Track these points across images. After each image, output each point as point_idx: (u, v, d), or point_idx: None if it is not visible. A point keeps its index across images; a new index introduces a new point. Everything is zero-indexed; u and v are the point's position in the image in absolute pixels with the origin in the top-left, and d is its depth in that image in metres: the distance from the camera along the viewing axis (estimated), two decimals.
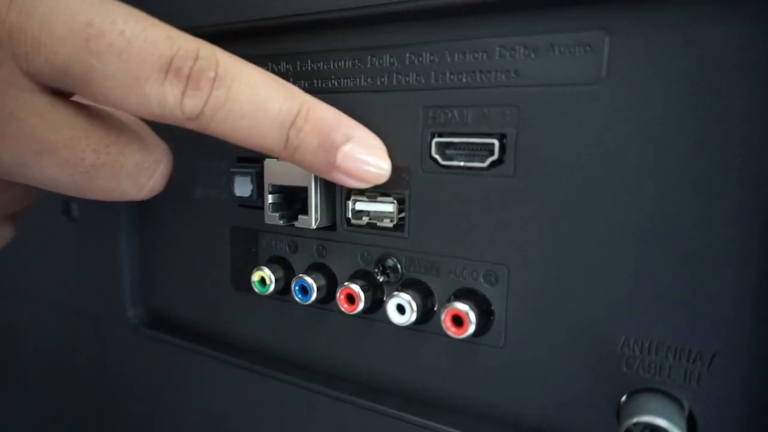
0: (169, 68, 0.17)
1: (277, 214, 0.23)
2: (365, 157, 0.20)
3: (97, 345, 0.32)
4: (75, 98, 0.19)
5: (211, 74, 0.17)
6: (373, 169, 0.20)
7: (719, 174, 0.16)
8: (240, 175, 0.24)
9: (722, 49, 0.16)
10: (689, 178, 0.16)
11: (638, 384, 0.17)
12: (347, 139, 0.19)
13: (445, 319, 0.19)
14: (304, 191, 0.22)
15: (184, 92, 0.17)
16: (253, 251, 0.26)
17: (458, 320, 0.19)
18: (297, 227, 0.23)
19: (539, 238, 0.19)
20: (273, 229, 0.25)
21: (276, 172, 0.23)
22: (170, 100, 0.17)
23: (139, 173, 0.20)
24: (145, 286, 0.31)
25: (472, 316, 0.19)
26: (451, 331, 0.19)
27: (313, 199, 0.22)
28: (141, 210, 0.30)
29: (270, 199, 0.23)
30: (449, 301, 0.20)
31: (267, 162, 0.23)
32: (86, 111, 0.19)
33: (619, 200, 0.17)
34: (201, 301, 0.28)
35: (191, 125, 0.18)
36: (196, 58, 0.17)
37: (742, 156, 0.16)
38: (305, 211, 0.22)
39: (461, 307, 0.19)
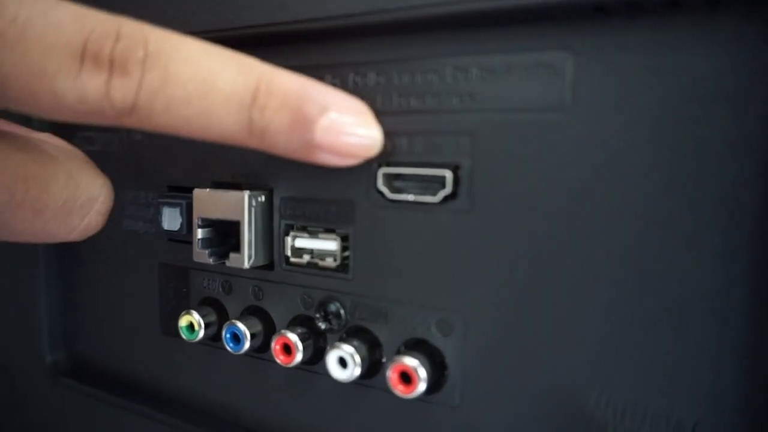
0: (83, 54, 0.14)
1: (207, 251, 0.20)
2: (350, 128, 0.16)
3: (9, 396, 0.28)
4: None
5: (140, 54, 0.14)
6: (363, 140, 0.16)
7: (694, 214, 0.14)
8: (169, 207, 0.22)
9: (696, 78, 0.14)
10: (661, 218, 0.14)
11: None
12: (324, 110, 0.16)
13: (392, 375, 0.17)
14: (236, 225, 0.20)
15: (108, 81, 0.14)
16: (183, 291, 0.23)
17: (407, 377, 0.17)
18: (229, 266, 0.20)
19: (498, 283, 0.16)
20: (205, 267, 0.22)
21: (206, 204, 0.20)
22: (92, 93, 0.14)
23: (69, 212, 0.17)
24: (66, 329, 0.27)
25: (422, 373, 0.17)
26: (399, 389, 0.17)
27: (247, 235, 0.19)
28: (61, 246, 0.27)
29: (199, 233, 0.20)
30: (398, 353, 0.18)
31: (196, 192, 0.20)
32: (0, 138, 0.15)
33: (586, 242, 0.15)
34: (127, 347, 0.25)
35: (129, 122, 0.15)
36: (118, 37, 0.14)
37: (719, 194, 0.14)
38: (238, 247, 0.20)
39: (410, 362, 0.17)
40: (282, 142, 0.16)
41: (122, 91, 0.14)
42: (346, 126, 0.16)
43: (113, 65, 0.14)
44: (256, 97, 0.15)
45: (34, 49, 0.13)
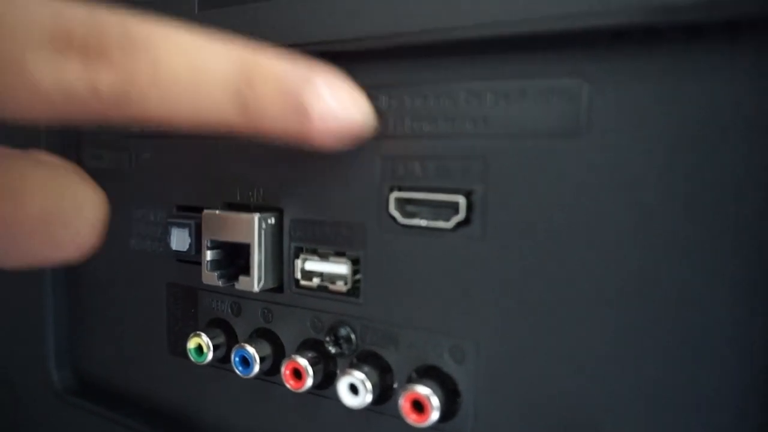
0: (65, 42, 0.12)
1: (216, 273, 0.20)
2: (347, 101, 0.16)
3: (15, 414, 0.28)
4: None
5: (122, 41, 0.13)
6: (353, 113, 0.16)
7: (713, 243, 0.14)
8: (177, 227, 0.22)
9: (715, 106, 0.14)
10: (678, 247, 0.14)
11: None
12: (310, 82, 0.15)
13: (404, 404, 0.17)
14: (246, 248, 0.19)
15: (94, 69, 0.13)
16: (192, 312, 0.23)
17: (419, 406, 0.17)
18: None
19: (511, 310, 0.16)
20: (214, 289, 0.22)
21: (215, 226, 0.20)
22: (75, 82, 0.13)
23: (52, 226, 0.15)
24: (72, 347, 0.27)
25: (435, 401, 0.16)
26: (411, 418, 0.17)
27: (257, 258, 0.19)
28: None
29: (208, 255, 0.20)
30: (409, 380, 0.17)
31: (205, 213, 0.20)
32: None
33: (600, 269, 0.15)
34: (135, 367, 0.25)
35: (116, 114, 0.14)
36: (101, 23, 0.13)
37: (739, 223, 0.14)
38: (248, 269, 0.20)
39: (422, 391, 0.16)
40: (277, 122, 0.15)
41: (107, 77, 0.13)
42: (340, 95, 0.16)
43: (98, 52, 0.13)
44: (247, 77, 0.15)
45: (7, 37, 0.12)
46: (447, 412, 0.17)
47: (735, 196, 0.13)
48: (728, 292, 0.14)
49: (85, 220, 0.15)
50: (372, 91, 0.18)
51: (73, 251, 0.16)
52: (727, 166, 0.14)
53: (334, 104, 0.16)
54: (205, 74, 0.14)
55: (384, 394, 0.18)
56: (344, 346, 0.19)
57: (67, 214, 0.15)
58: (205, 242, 0.20)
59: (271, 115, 0.15)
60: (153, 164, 0.23)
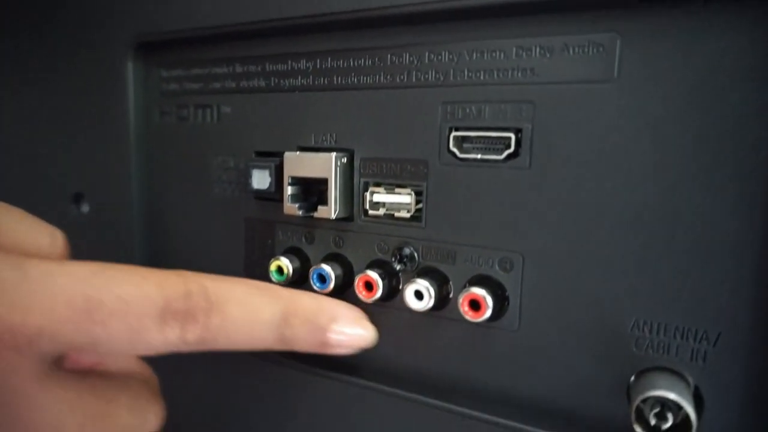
0: (165, 314, 0.18)
1: (297, 205, 0.24)
2: (352, 331, 0.22)
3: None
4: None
5: (204, 305, 0.19)
6: (360, 340, 0.23)
7: (719, 169, 0.17)
8: (258, 168, 0.25)
9: (723, 55, 0.17)
10: (691, 173, 0.18)
11: (647, 364, 0.19)
12: (333, 320, 0.22)
13: (462, 303, 0.20)
14: (324, 183, 0.23)
15: (184, 328, 0.19)
16: (268, 243, 0.26)
17: (476, 304, 0.20)
18: (315, 218, 0.24)
19: (552, 227, 0.20)
20: (289, 221, 0.25)
21: (296, 165, 0.24)
22: (172, 339, 0.19)
23: None
24: None
25: (489, 301, 0.20)
26: (469, 315, 0.20)
27: (334, 190, 0.23)
28: (153, 206, 0.30)
29: (289, 190, 0.24)
30: (465, 287, 0.21)
31: (287, 155, 0.24)
32: (75, 380, 0.19)
33: (627, 192, 0.19)
34: None
35: (196, 349, 0.20)
36: (188, 295, 0.19)
37: (740, 153, 0.17)
38: (323, 202, 0.23)
39: (479, 291, 0.20)
40: (304, 345, 0.22)
41: (193, 333, 0.19)
42: (349, 330, 0.22)
43: (187, 317, 0.19)
44: (287, 319, 0.21)
45: (133, 315, 0.18)
46: (497, 313, 0.21)
47: (740, 129, 0.17)
48: (729, 206, 0.17)
49: (150, 428, 0.21)
50: (435, 48, 0.21)
51: None
52: (736, 106, 0.17)
53: (346, 338, 0.22)
54: (256, 321, 0.21)
55: (442, 302, 0.22)
56: (407, 263, 0.23)
57: (137, 427, 0.21)
58: (287, 179, 0.24)
59: (302, 344, 0.22)
60: (233, 118, 0.27)
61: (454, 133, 0.21)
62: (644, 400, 0.17)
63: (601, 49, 0.19)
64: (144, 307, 0.18)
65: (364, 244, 0.24)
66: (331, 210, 0.23)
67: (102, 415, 0.20)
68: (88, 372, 0.20)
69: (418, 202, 0.22)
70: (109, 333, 0.18)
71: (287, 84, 0.25)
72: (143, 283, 0.18)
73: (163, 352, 0.19)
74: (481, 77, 0.20)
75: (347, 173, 0.23)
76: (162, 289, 0.19)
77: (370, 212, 0.23)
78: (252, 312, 0.20)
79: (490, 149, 0.21)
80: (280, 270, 0.25)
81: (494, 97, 0.20)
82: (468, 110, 0.21)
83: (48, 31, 0.33)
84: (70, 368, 0.19)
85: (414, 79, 0.22)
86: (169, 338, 0.19)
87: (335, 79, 0.24)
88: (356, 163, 0.23)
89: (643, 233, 0.18)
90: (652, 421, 0.17)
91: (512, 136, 0.20)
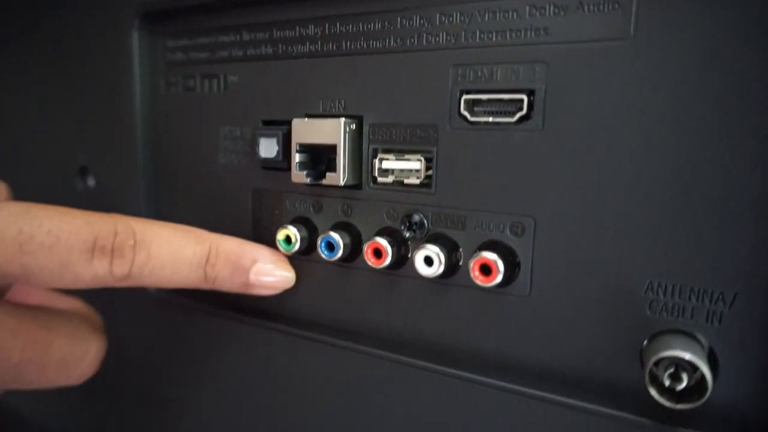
0: (94, 249, 0.20)
1: (304, 173, 0.23)
2: (272, 272, 0.25)
3: (109, 312, 0.32)
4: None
5: (131, 242, 0.21)
6: (281, 282, 0.25)
7: (737, 127, 0.17)
8: (265, 137, 0.25)
9: (743, 10, 0.16)
10: (709, 131, 0.17)
11: (661, 327, 0.18)
12: (254, 262, 0.24)
13: (473, 268, 0.20)
14: (332, 150, 0.23)
15: (111, 262, 0.21)
16: (276, 213, 0.26)
17: (486, 269, 0.20)
18: (324, 186, 0.23)
19: (565, 190, 0.19)
20: (296, 190, 0.25)
21: (304, 131, 0.23)
22: (101, 272, 0.20)
23: (66, 365, 0.22)
24: None
25: (500, 265, 0.20)
26: (479, 279, 0.20)
27: (342, 157, 0.23)
28: (159, 178, 0.30)
29: (297, 158, 0.24)
30: (475, 253, 0.21)
31: (295, 121, 0.24)
32: (16, 309, 0.21)
33: (643, 153, 0.18)
34: None
35: (124, 284, 0.22)
36: (115, 233, 0.21)
37: (760, 112, 0.17)
38: (331, 169, 0.23)
39: (490, 256, 0.20)
40: (226, 285, 0.24)
41: (120, 267, 0.21)
42: (269, 271, 0.24)
43: (114, 252, 0.21)
44: (208, 259, 0.23)
45: (63, 248, 0.20)
46: (508, 278, 0.20)
47: (760, 87, 0.16)
48: (746, 167, 0.17)
49: (90, 359, 0.23)
50: (447, 8, 0.21)
51: (76, 380, 0.23)
52: (756, 63, 0.16)
53: (266, 279, 0.24)
54: (180, 259, 0.22)
55: (451, 269, 0.22)
56: (417, 230, 0.22)
57: (78, 356, 0.23)
58: (294, 146, 0.24)
59: (224, 284, 0.24)
60: (239, 87, 0.27)
61: (465, 97, 0.21)
62: (658, 362, 0.17)
63: (617, 5, 0.18)
64: (73, 241, 0.20)
65: (373, 212, 0.23)
66: (339, 177, 0.23)
67: (43, 340, 0.21)
68: (33, 306, 0.22)
69: (428, 168, 0.22)
70: (39, 264, 0.19)
71: (295, 50, 0.25)
72: (73, 221, 0.20)
73: (92, 285, 0.21)
74: (493, 38, 0.20)
75: (356, 140, 0.23)
76: (91, 226, 0.20)
77: (379, 179, 0.23)
78: (176, 251, 0.22)
79: (501, 112, 0.20)
80: (288, 239, 0.24)
81: (506, 59, 0.20)
82: (479, 73, 0.20)
83: (52, 2, 0.32)
84: (15, 301, 0.22)
85: (424, 42, 0.21)
86: (97, 271, 0.20)
87: (344, 44, 0.23)
88: (365, 129, 0.23)
89: (659, 194, 0.18)
90: (667, 382, 0.17)
91: (525, 98, 0.20)
